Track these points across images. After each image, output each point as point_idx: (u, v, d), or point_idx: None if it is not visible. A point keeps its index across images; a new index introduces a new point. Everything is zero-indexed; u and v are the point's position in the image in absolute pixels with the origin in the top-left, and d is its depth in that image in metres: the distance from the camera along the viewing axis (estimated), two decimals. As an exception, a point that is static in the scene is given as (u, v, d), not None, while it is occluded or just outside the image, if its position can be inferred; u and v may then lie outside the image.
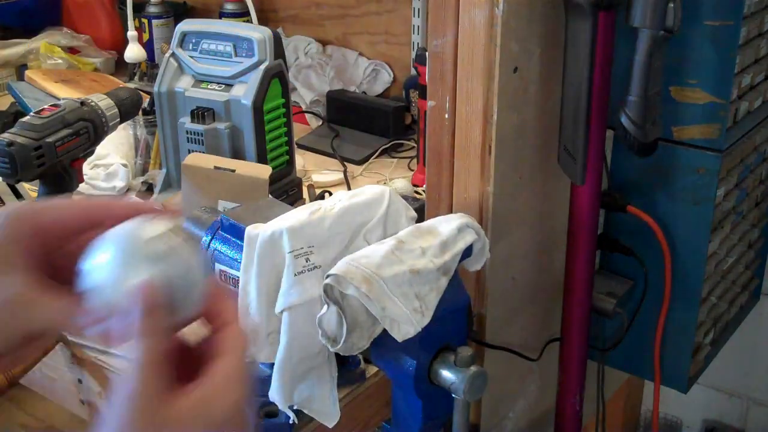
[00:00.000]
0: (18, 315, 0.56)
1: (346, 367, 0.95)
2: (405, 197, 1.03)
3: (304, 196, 1.33)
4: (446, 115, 0.97)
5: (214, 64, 1.23)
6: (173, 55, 1.26)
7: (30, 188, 1.32)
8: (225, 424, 0.56)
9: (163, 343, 0.54)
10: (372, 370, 0.97)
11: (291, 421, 0.93)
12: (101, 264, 0.55)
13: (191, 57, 1.24)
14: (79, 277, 0.56)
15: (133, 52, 1.84)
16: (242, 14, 1.90)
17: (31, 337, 0.58)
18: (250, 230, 0.89)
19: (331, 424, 0.82)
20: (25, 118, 1.09)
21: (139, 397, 0.53)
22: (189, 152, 1.22)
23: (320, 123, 1.75)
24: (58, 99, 1.30)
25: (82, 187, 1.23)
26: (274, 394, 0.88)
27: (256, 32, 1.22)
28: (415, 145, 1.60)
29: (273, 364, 0.88)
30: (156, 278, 0.54)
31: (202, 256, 0.57)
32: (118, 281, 0.54)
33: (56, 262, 0.60)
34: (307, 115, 1.77)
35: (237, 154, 1.22)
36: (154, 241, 0.55)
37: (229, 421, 0.57)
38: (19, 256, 0.57)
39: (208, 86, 1.23)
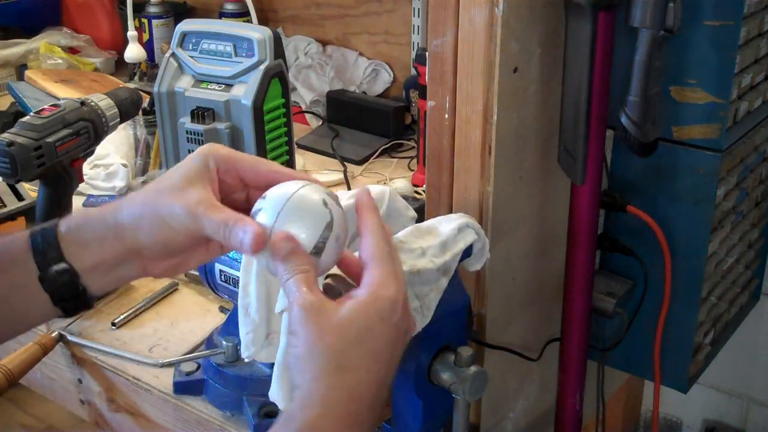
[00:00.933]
0: (192, 219, 0.67)
1: (346, 367, 0.95)
2: (405, 197, 1.03)
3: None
4: (446, 115, 0.97)
5: (214, 64, 1.23)
6: (173, 55, 1.26)
7: (30, 188, 1.32)
8: (383, 318, 0.64)
9: (305, 268, 0.65)
10: (372, 370, 0.96)
11: (291, 421, 0.93)
12: (266, 209, 0.67)
13: (191, 57, 1.24)
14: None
15: (133, 52, 1.84)
16: (242, 14, 1.90)
17: (197, 240, 0.69)
18: (250, 230, 0.89)
19: (331, 424, 0.82)
20: (25, 118, 1.09)
21: (301, 308, 0.63)
22: (189, 152, 1.22)
23: (320, 123, 1.75)
24: (58, 99, 1.30)
25: (82, 187, 1.23)
26: (274, 394, 0.87)
27: (256, 32, 1.22)
28: (415, 145, 1.60)
29: (273, 364, 0.88)
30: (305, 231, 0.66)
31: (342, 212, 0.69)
32: (276, 226, 0.66)
33: (228, 200, 0.71)
34: (307, 115, 1.77)
35: (237, 154, 1.22)
36: (308, 198, 0.67)
37: (391, 315, 0.65)
38: (205, 179, 0.69)
39: (208, 86, 1.23)
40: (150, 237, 0.69)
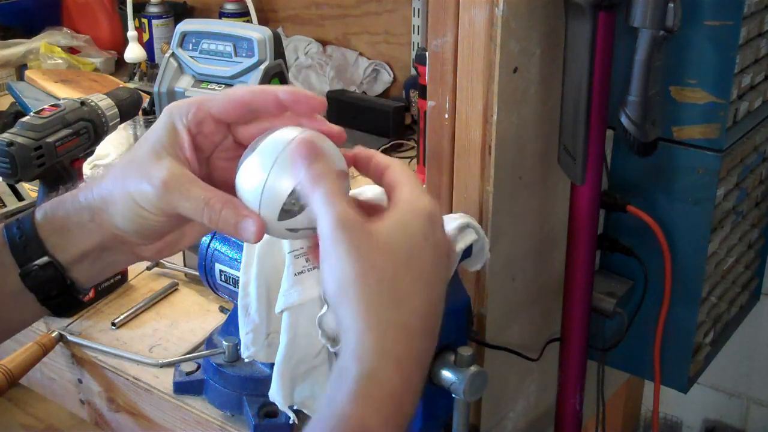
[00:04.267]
0: (164, 199, 0.58)
1: (346, 367, 0.95)
2: (405, 197, 1.03)
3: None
4: (446, 115, 0.97)
5: (214, 64, 1.23)
6: (173, 55, 1.26)
7: (30, 188, 1.32)
8: (426, 236, 0.56)
9: (334, 180, 0.56)
10: (372, 370, 0.96)
11: (291, 421, 0.93)
12: (252, 169, 0.58)
13: (191, 57, 1.24)
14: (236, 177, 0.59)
15: (133, 52, 1.84)
16: (242, 14, 1.90)
17: (179, 220, 0.61)
18: (250, 230, 0.89)
19: (331, 424, 0.82)
20: (25, 118, 1.09)
21: (340, 223, 0.54)
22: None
23: (320, 123, 1.75)
24: (58, 99, 1.30)
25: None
26: (275, 394, 0.88)
27: (256, 32, 1.22)
28: (415, 145, 1.60)
29: (273, 364, 0.88)
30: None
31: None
32: (270, 178, 0.57)
33: (212, 160, 0.64)
34: (307, 115, 1.76)
35: (237, 154, 1.22)
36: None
37: (432, 232, 0.57)
38: (174, 146, 0.60)
39: (208, 86, 1.23)
40: (125, 221, 0.61)
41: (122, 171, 0.61)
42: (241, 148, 0.63)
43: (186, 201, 0.58)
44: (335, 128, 0.61)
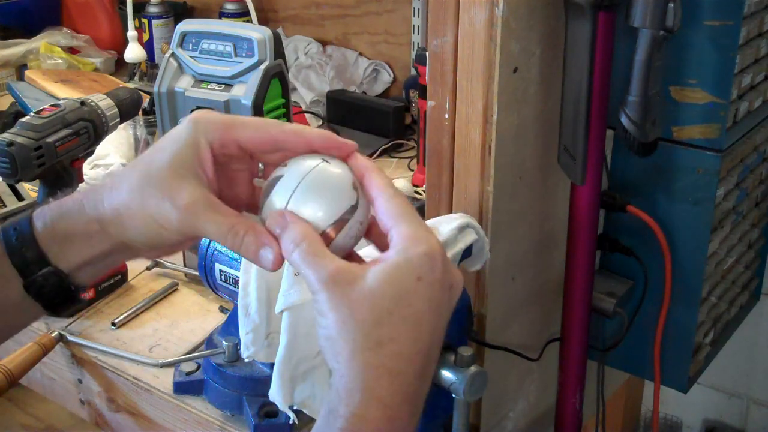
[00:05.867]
0: (188, 222, 0.59)
1: (346, 367, 0.95)
2: (405, 197, 1.03)
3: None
4: (446, 115, 0.97)
5: (214, 64, 1.23)
6: (173, 55, 1.26)
7: (30, 188, 1.32)
8: (420, 276, 0.57)
9: (309, 238, 0.57)
10: (372, 370, 0.96)
11: (291, 421, 0.93)
12: (272, 203, 0.60)
13: (191, 57, 1.24)
14: (260, 201, 0.61)
15: (133, 52, 1.84)
16: (242, 14, 1.90)
17: (195, 237, 0.62)
18: (250, 230, 0.89)
19: (331, 424, 0.82)
20: (25, 118, 1.09)
21: (319, 281, 0.56)
22: (189, 152, 1.22)
23: (320, 123, 1.75)
24: (58, 99, 1.30)
25: (81, 187, 1.23)
26: (274, 394, 0.88)
27: (256, 32, 1.22)
28: (415, 145, 1.60)
29: (273, 364, 0.88)
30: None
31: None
32: (290, 206, 0.59)
33: (229, 173, 0.64)
34: (307, 115, 1.77)
35: (237, 154, 1.22)
36: (330, 174, 0.60)
37: (430, 271, 0.57)
38: (196, 165, 0.60)
39: (208, 86, 1.23)
40: (139, 235, 0.61)
41: (140, 185, 0.60)
42: (254, 161, 0.64)
43: (210, 225, 0.59)
44: (348, 144, 0.62)
